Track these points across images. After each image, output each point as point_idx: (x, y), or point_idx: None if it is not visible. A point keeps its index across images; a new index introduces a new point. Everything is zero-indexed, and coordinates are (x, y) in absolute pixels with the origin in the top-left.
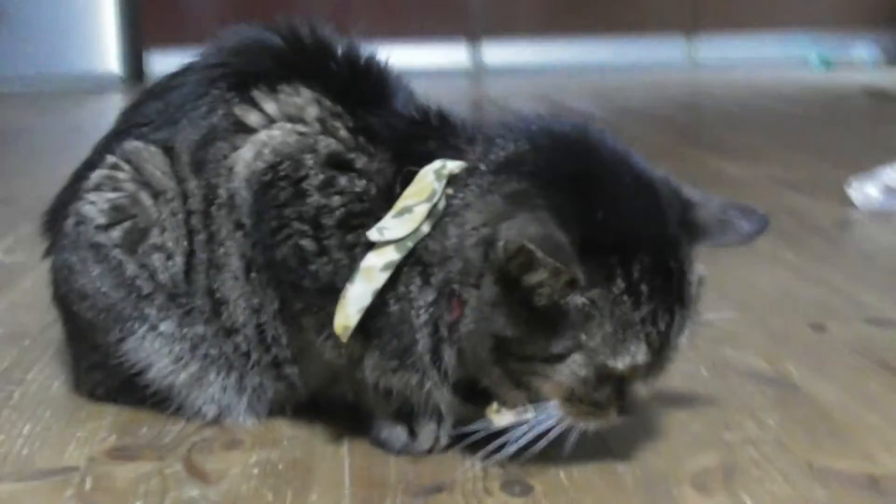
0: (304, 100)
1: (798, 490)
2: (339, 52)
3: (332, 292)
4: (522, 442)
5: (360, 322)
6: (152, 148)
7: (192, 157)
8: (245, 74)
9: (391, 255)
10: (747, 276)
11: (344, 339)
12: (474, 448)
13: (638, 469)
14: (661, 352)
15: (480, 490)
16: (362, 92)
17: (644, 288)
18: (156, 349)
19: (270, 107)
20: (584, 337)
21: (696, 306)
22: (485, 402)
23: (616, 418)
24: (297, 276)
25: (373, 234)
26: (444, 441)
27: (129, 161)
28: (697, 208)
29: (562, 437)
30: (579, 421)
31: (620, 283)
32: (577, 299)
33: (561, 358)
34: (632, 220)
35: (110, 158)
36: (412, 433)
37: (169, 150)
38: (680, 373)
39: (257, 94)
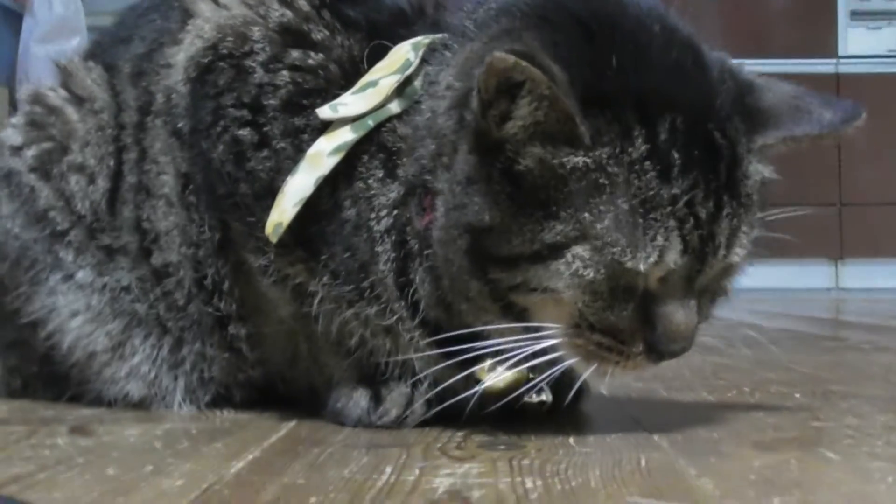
0: None
1: None
2: None
3: (271, 196)
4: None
5: (307, 233)
6: (91, 63)
7: (133, 67)
8: None
9: (345, 135)
10: None
11: (273, 239)
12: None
13: (679, 437)
14: (703, 255)
15: (452, 447)
16: None
17: (676, 156)
18: (69, 303)
19: None
20: (587, 218)
21: (756, 209)
22: (475, 361)
23: (643, 360)
24: (234, 181)
25: (324, 111)
26: (418, 409)
27: (65, 81)
28: (760, 91)
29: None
30: (590, 362)
31: (641, 144)
32: (578, 159)
33: (557, 251)
34: (660, 75)
35: (47, 82)
36: (376, 399)
37: (111, 68)
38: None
39: None
